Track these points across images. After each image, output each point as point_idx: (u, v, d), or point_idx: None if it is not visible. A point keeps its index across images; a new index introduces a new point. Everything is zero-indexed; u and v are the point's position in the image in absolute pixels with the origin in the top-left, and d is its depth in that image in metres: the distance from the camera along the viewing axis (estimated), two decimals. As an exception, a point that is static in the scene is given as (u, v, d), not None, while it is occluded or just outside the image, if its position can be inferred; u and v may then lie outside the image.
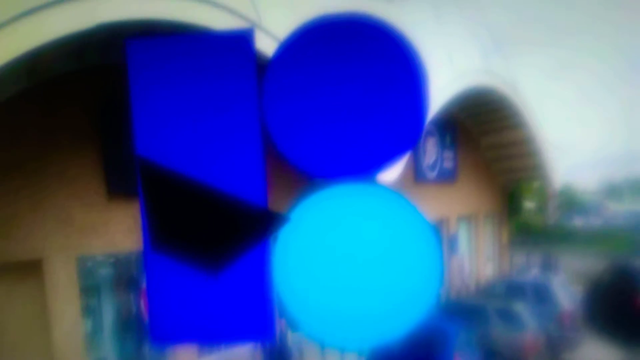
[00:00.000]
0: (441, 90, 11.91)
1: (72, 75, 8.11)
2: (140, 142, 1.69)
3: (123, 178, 8.49)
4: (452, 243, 16.75)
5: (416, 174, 15.02)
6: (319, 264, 1.67)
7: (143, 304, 9.74)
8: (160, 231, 1.70)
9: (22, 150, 7.89)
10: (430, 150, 15.65)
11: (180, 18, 6.51)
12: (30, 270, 8.06)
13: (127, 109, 1.71)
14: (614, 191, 67.19)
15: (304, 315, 1.69)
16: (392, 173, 10.11)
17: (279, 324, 8.69)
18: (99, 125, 8.69)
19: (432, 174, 15.82)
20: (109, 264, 9.48)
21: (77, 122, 8.51)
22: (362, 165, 1.69)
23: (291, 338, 9.41)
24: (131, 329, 9.75)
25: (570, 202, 46.45)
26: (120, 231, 8.92)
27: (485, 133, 17.87)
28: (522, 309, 11.13)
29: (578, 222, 42.91)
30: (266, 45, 5.84)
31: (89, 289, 9.04)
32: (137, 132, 1.69)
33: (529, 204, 29.86)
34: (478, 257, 18.64)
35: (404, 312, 1.64)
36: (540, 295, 12.51)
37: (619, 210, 52.12)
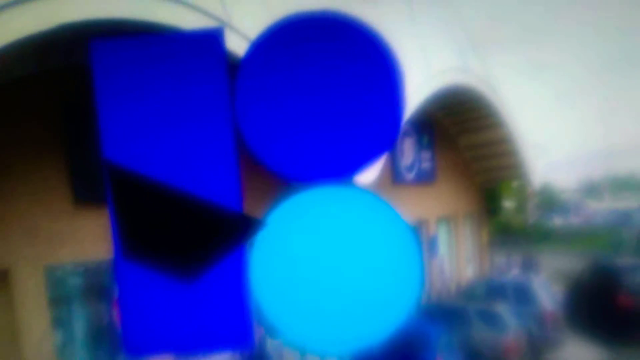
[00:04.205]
0: (417, 89, 11.99)
1: (33, 77, 7.96)
2: (108, 147, 1.67)
3: (90, 184, 8.36)
4: (432, 245, 16.86)
5: (394, 175, 15.08)
6: (296, 269, 1.67)
7: (115, 314, 9.60)
8: (132, 238, 1.68)
9: (-19, 157, 7.71)
10: (408, 151, 15.73)
11: (146, 17, 6.44)
12: (-4, 281, 7.89)
13: (93, 112, 1.68)
14: (593, 189, 68.45)
15: (282, 321, 1.69)
16: (369, 175, 10.14)
17: (257, 331, 8.66)
18: (63, 130, 8.55)
19: (410, 175, 15.90)
20: (78, 273, 9.32)
21: (40, 127, 8.35)
22: (339, 167, 1.69)
23: (270, 345, 9.38)
24: (103, 340, 9.60)
25: (550, 201, 47.22)
26: (89, 239, 8.78)
27: (463, 132, 18.04)
28: (503, 309, 11.26)
29: (558, 221, 43.61)
30: (237, 44, 5.82)
31: (59, 299, 8.88)
32: (104, 136, 1.67)
33: (508, 204, 30.28)
34: (458, 258, 18.80)
35: (384, 316, 1.65)
36: (521, 296, 12.68)
37: (599, 208, 53.03)
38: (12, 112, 8.01)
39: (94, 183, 8.01)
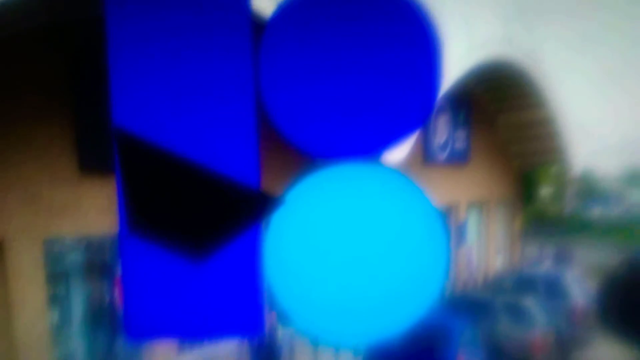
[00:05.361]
0: (456, 62, 11.82)
1: (40, 31, 7.96)
2: (118, 112, 1.65)
3: (97, 151, 8.41)
4: (461, 232, 16.80)
5: (425, 154, 15.00)
6: (314, 252, 1.65)
7: (117, 294, 9.71)
8: (140, 212, 1.68)
9: (-19, 117, 7.77)
10: (442, 128, 15.57)
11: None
12: (-10, 252, 7.97)
13: (104, 72, 1.67)
14: (636, 178, 67.37)
15: (296, 308, 1.68)
16: (398, 153, 10.09)
17: (269, 318, 8.74)
18: (71, 91, 8.57)
19: (442, 155, 15.79)
20: (79, 249, 9.41)
21: (45, 87, 8.38)
22: (366, 143, 1.66)
23: (281, 334, 9.46)
24: (103, 321, 9.72)
25: (590, 190, 46.68)
26: (93, 211, 8.86)
27: (502, 111, 17.78)
28: (531, 304, 11.25)
29: (596, 211, 43.18)
30: (264, 4, 5.76)
31: (57, 276, 8.96)
32: (114, 99, 1.65)
33: (544, 191, 30.01)
34: (488, 247, 18.74)
35: (404, 307, 1.63)
36: (552, 290, 12.65)
37: (642, 200, 52.38)
38: (16, 68, 8.04)
39: (101, 150, 8.06)
